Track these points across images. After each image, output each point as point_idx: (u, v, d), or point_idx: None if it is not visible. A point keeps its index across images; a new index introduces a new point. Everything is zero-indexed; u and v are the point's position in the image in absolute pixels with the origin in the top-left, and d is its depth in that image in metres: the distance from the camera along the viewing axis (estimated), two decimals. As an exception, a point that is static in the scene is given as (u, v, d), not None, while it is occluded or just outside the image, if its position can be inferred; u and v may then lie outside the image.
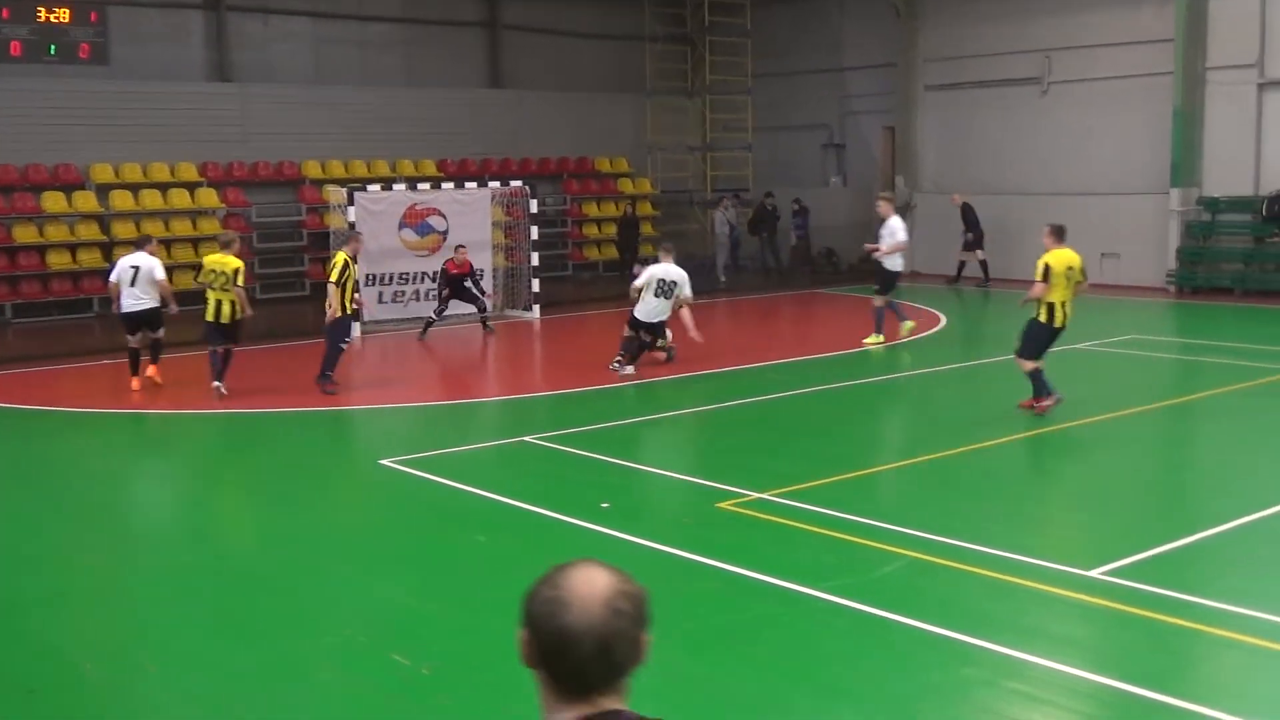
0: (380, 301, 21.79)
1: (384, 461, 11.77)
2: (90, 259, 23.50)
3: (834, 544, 9.03)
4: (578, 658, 2.31)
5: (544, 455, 12.09)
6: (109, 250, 23.76)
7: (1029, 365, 13.03)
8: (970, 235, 26.98)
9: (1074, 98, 26.76)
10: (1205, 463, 12.35)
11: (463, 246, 20.73)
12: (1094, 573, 8.17)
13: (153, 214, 24.21)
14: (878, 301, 18.69)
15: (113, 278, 15.82)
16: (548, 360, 19.72)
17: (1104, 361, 17.33)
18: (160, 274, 15.60)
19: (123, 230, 23.80)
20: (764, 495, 10.22)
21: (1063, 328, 13.02)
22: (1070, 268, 12.89)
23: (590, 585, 2.36)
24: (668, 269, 16.29)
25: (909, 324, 18.82)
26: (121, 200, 24.02)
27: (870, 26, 30.54)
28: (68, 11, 24.00)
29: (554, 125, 30.01)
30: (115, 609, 8.34)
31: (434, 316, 20.41)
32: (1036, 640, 7.14)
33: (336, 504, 10.84)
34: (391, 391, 16.46)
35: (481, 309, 20.61)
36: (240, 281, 15.11)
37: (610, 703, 2.37)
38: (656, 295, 16.02)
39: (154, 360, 15.94)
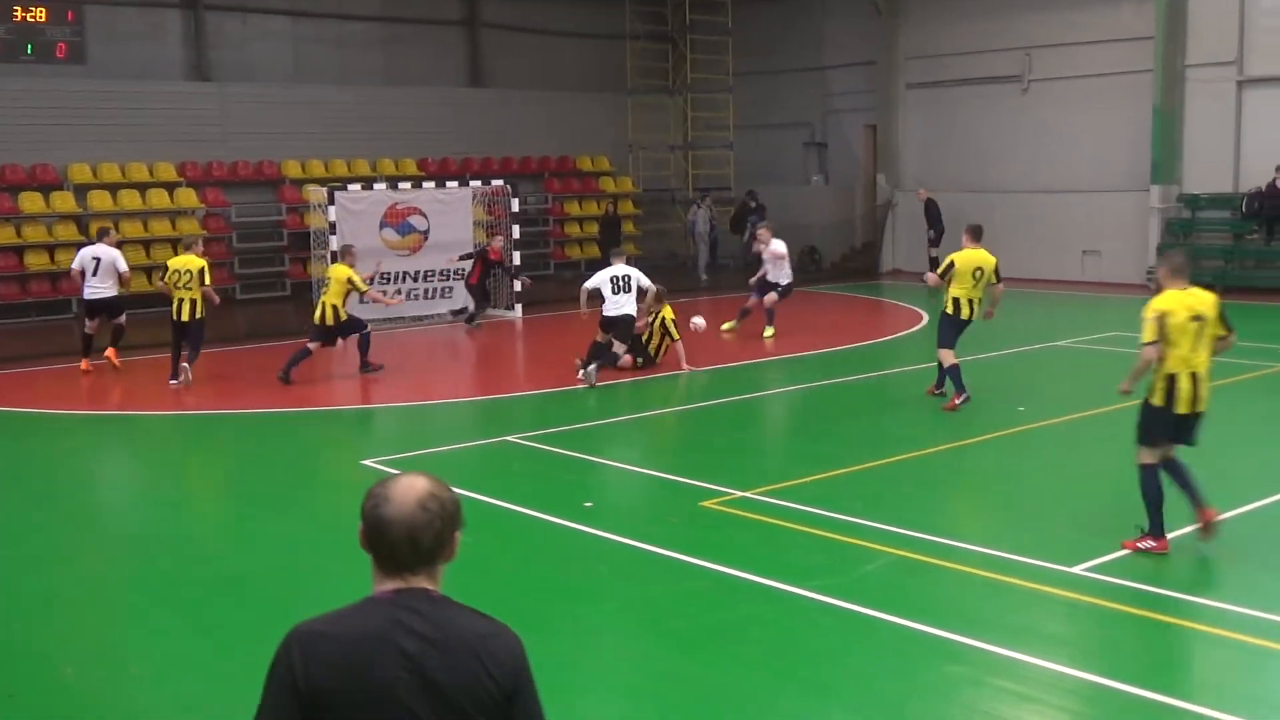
0: (361, 301, 21.66)
1: (366, 462, 11.71)
2: (69, 260, 23.23)
3: (819, 542, 9.01)
4: (391, 542, 2.88)
5: (527, 455, 12.05)
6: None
7: (950, 359, 13.45)
8: (932, 232, 27.19)
9: (1054, 95, 26.86)
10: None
11: (499, 235, 21.52)
12: (1078, 569, 8.18)
13: (131, 214, 24.07)
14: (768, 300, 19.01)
15: (75, 265, 16.97)
16: (530, 359, 19.67)
17: (1086, 358, 17.37)
18: (122, 266, 16.65)
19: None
20: (748, 494, 10.20)
21: (969, 320, 13.36)
22: (979, 268, 13.19)
23: (408, 488, 2.92)
24: (619, 268, 16.36)
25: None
26: (100, 200, 23.88)
27: (851, 24, 30.57)
28: (44, 11, 23.84)
29: (535, 124, 29.96)
30: (97, 612, 8.27)
31: (478, 306, 20.73)
32: (1022, 637, 7.14)
33: (319, 505, 10.77)
34: (373, 391, 16.40)
35: (480, 305, 20.87)
36: (208, 280, 15.63)
37: (421, 582, 2.94)
38: (614, 292, 16.03)
39: (114, 343, 16.86)
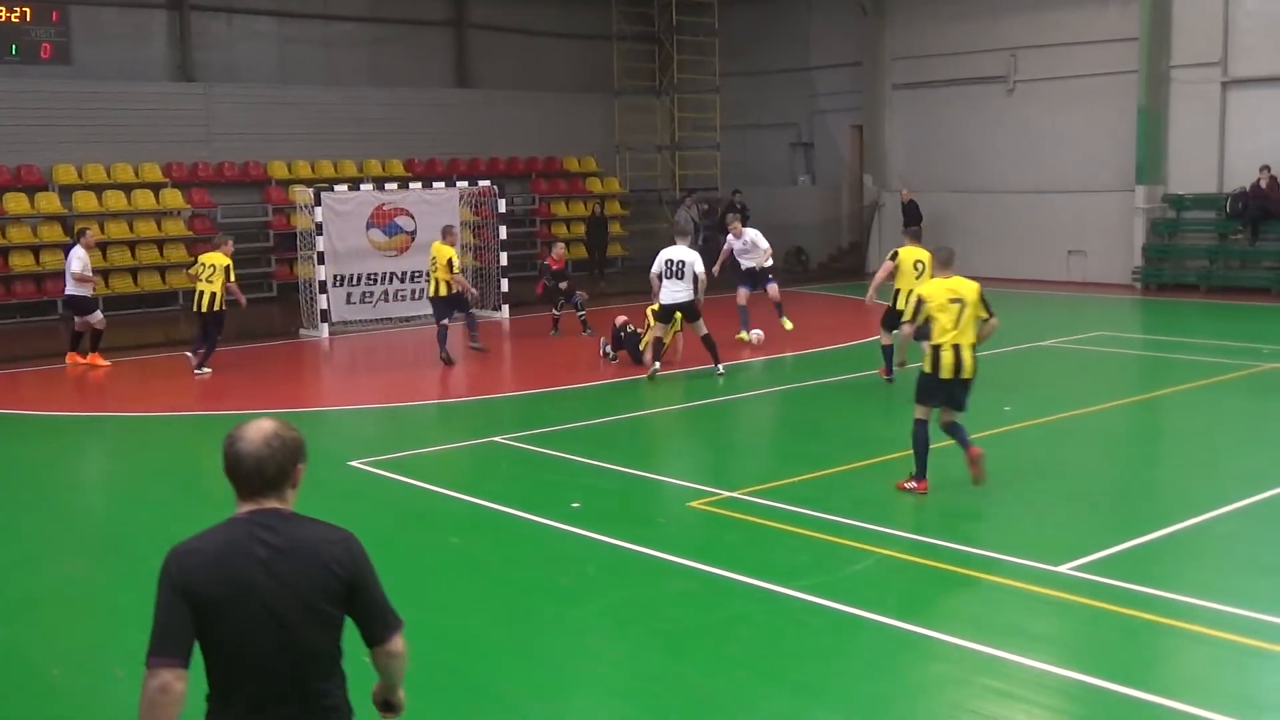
0: (347, 302, 21.68)
1: (353, 463, 11.69)
2: (54, 261, 23.23)
3: (806, 542, 9.03)
4: (244, 472, 3.62)
5: (515, 455, 12.04)
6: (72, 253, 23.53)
7: (887, 340, 14.68)
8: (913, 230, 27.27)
9: (1040, 96, 26.94)
10: (1172, 458, 12.43)
11: (560, 244, 21.60)
12: (1064, 568, 8.21)
13: (116, 215, 24.00)
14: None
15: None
16: (517, 360, 19.65)
17: (1071, 358, 17.42)
18: (74, 266, 17.37)
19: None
20: (735, 494, 10.21)
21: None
22: (919, 261, 14.24)
23: (257, 429, 3.67)
24: (675, 250, 15.79)
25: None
26: (85, 201, 23.79)
27: (838, 25, 30.63)
28: (28, 11, 23.74)
29: (522, 125, 29.95)
30: (84, 614, 8.23)
31: (559, 310, 20.43)
32: (1008, 636, 7.16)
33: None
34: (360, 392, 16.38)
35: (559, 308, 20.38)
36: (231, 277, 16.67)
37: (271, 503, 3.68)
38: (669, 277, 15.58)
39: (92, 346, 17.65)
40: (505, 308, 22.70)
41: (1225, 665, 6.89)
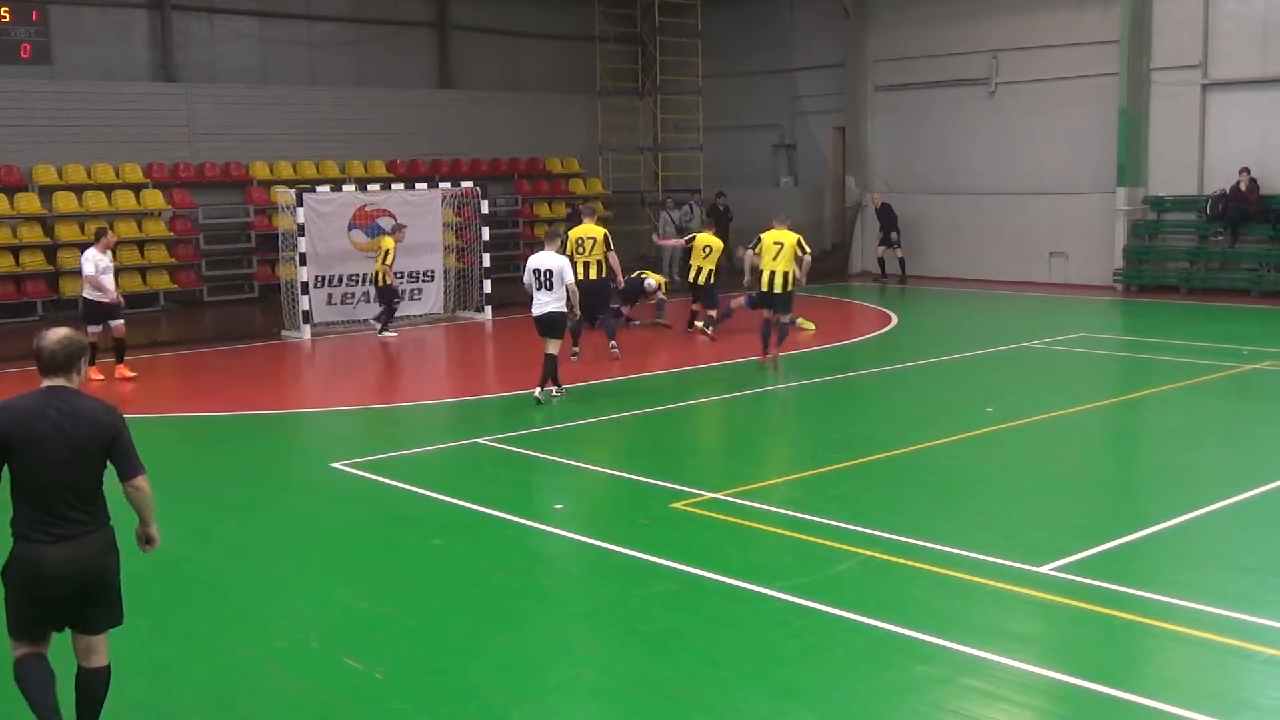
0: (329, 303, 21.62)
1: (335, 465, 11.66)
2: (34, 262, 23.15)
3: (789, 543, 9.04)
4: (44, 359, 5.50)
5: (497, 457, 12.02)
6: (53, 253, 23.44)
7: (765, 314, 16.61)
8: (893, 233, 27.49)
9: (1021, 98, 27.05)
10: (1153, 459, 12.49)
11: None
12: (1045, 569, 8.23)
13: (97, 216, 23.84)
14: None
15: None
16: (500, 361, 19.63)
17: (1052, 359, 17.49)
18: (85, 268, 16.18)
19: (66, 232, 23.47)
20: (718, 495, 10.22)
21: (770, 290, 16.19)
22: (777, 242, 16.21)
23: (53, 332, 5.55)
24: (543, 258, 14.29)
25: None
26: (65, 202, 23.68)
27: (820, 27, 30.69)
28: (7, 11, 23.62)
29: (505, 126, 29.93)
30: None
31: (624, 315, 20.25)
32: (991, 637, 7.18)
33: (287, 508, 10.71)
34: (342, 394, 16.34)
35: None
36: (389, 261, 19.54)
37: (61, 382, 5.50)
38: (539, 288, 14.20)
39: (119, 358, 16.52)
40: (488, 309, 22.66)
41: (1205, 665, 6.92)
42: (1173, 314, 22.30)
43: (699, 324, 19.42)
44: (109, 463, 5.58)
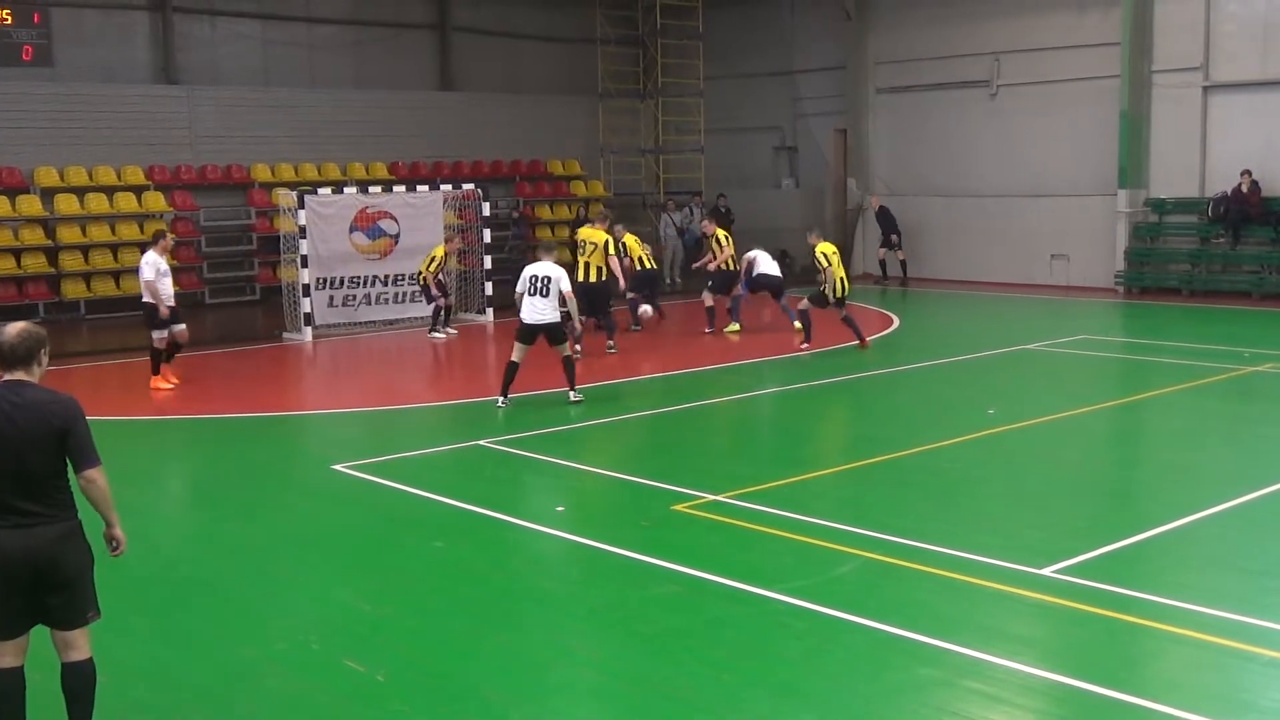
0: (330, 305, 21.62)
1: (337, 466, 11.66)
2: (35, 264, 23.16)
3: (790, 545, 9.03)
4: (3, 353, 5.53)
5: (498, 459, 12.02)
6: (54, 255, 23.45)
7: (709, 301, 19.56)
8: (893, 236, 27.52)
9: (1022, 100, 27.04)
10: (1154, 461, 12.48)
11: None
12: (1047, 571, 8.23)
13: (99, 218, 23.91)
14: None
15: None
16: (500, 363, 19.57)
17: (1054, 361, 17.48)
18: (145, 273, 15.51)
19: (68, 235, 23.49)
20: (720, 497, 10.21)
21: (729, 269, 19.78)
22: (727, 237, 19.42)
23: (14, 326, 5.60)
24: (540, 266, 14.34)
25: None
26: (67, 204, 23.69)
27: (821, 29, 30.69)
28: (9, 13, 23.64)
29: (506, 128, 29.93)
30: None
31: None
32: (992, 639, 7.17)
33: (289, 510, 10.71)
34: (343, 396, 16.34)
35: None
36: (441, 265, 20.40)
37: (20, 376, 5.56)
38: (532, 295, 14.14)
39: (167, 360, 16.01)
40: (490, 311, 22.66)
41: (1207, 667, 6.91)
42: (1174, 316, 22.29)
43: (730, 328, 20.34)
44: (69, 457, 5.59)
